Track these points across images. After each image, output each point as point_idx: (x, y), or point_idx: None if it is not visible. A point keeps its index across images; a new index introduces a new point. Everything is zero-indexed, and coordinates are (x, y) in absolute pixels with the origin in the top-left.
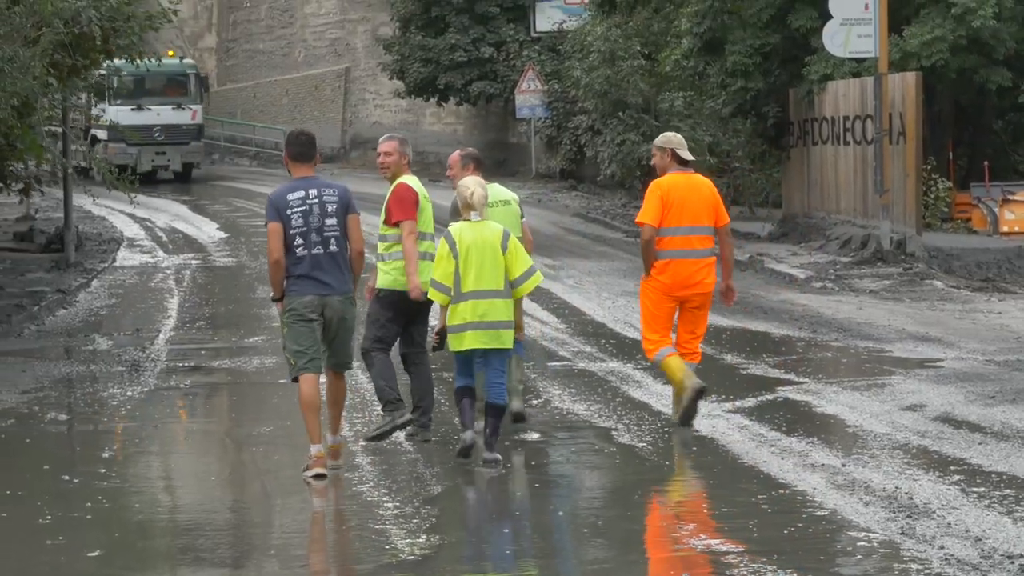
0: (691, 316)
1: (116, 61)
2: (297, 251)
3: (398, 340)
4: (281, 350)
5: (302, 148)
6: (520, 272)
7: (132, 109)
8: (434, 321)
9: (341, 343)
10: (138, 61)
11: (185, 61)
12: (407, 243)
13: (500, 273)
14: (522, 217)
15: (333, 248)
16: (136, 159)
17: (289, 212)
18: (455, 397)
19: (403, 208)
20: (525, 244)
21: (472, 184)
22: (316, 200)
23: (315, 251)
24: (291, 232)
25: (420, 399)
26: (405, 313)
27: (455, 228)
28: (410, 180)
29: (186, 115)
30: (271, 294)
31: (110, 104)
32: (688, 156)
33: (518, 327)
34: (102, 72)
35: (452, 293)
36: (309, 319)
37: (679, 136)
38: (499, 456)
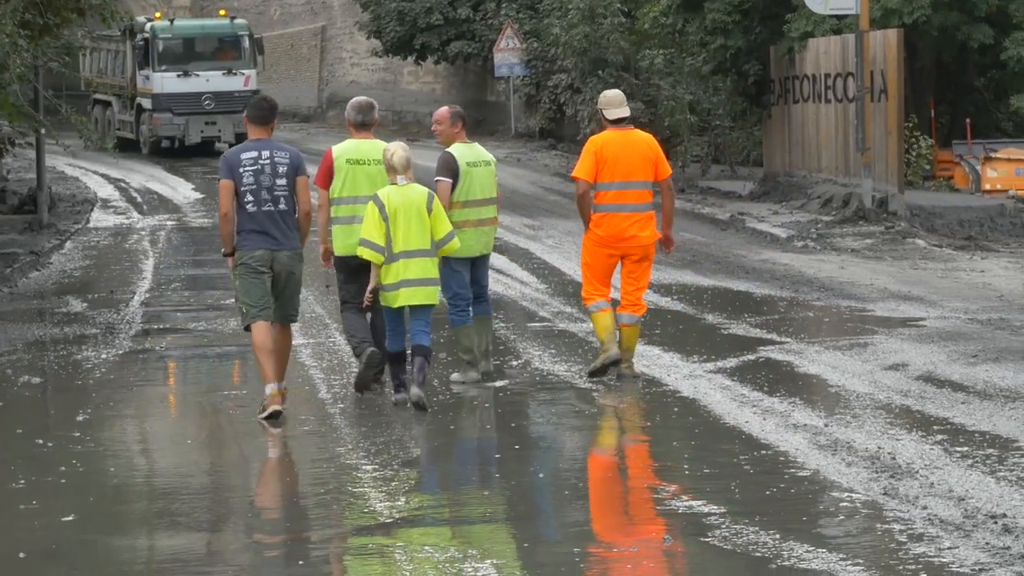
0: (633, 268)
1: (165, 21)
2: (248, 207)
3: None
4: (235, 302)
5: (262, 112)
6: (444, 233)
7: (178, 75)
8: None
9: (288, 297)
10: (176, 19)
11: (237, 21)
12: (319, 212)
13: (427, 234)
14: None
15: (283, 207)
16: (183, 130)
17: (241, 170)
18: (390, 361)
19: (319, 176)
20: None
21: (393, 147)
22: (268, 161)
23: (265, 208)
24: (242, 189)
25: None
26: (356, 272)
27: (383, 192)
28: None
29: (238, 81)
30: (222, 249)
31: (154, 70)
32: (614, 115)
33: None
34: (144, 32)
35: (385, 253)
36: (259, 271)
37: (613, 93)
38: (423, 396)
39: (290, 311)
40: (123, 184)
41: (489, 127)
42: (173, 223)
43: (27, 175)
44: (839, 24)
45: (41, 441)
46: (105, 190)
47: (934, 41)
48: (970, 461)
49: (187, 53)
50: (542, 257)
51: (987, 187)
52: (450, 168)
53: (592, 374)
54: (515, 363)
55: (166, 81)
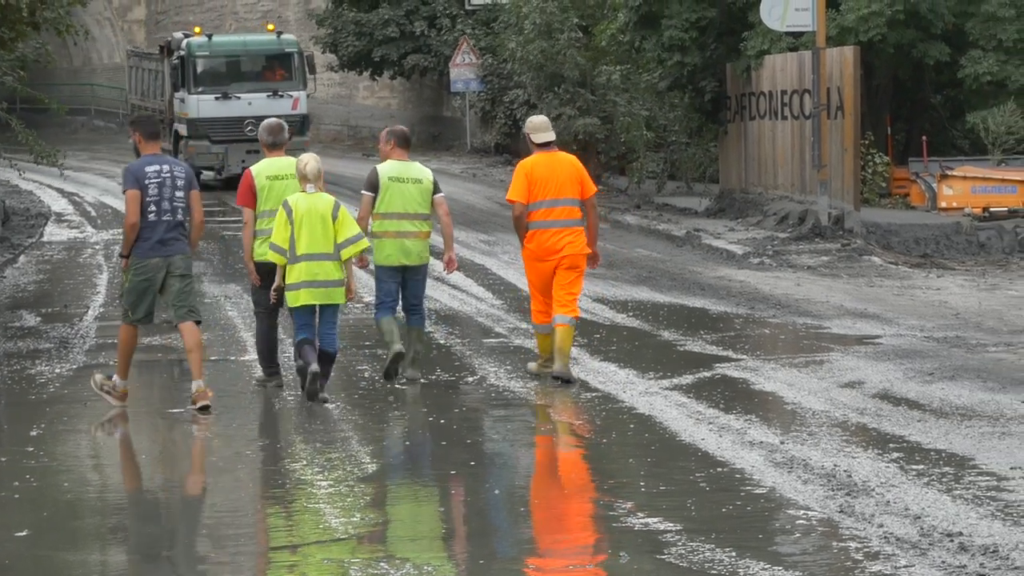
0: (564, 275)
1: (203, 37)
2: (150, 217)
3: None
4: (118, 299)
5: (154, 128)
6: (344, 237)
7: (217, 98)
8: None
9: (186, 295)
10: (216, 36)
11: (285, 37)
12: (244, 230)
13: (330, 239)
14: (435, 193)
15: (180, 217)
16: (223, 160)
17: (147, 182)
18: (295, 349)
19: (241, 196)
20: (441, 217)
21: (306, 158)
22: (169, 174)
23: (165, 218)
24: (147, 199)
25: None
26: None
27: (292, 198)
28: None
29: (285, 104)
30: (119, 250)
31: (190, 92)
32: (541, 139)
33: (349, 288)
34: (180, 50)
35: (288, 256)
36: (151, 279)
37: (540, 119)
38: (328, 396)
39: (190, 308)
40: (77, 198)
41: (445, 142)
42: None
43: None
44: (795, 42)
45: None
46: (59, 204)
47: (890, 59)
48: (926, 479)
49: (227, 73)
50: (497, 273)
51: (943, 205)
52: (370, 181)
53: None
54: (470, 379)
55: (203, 104)
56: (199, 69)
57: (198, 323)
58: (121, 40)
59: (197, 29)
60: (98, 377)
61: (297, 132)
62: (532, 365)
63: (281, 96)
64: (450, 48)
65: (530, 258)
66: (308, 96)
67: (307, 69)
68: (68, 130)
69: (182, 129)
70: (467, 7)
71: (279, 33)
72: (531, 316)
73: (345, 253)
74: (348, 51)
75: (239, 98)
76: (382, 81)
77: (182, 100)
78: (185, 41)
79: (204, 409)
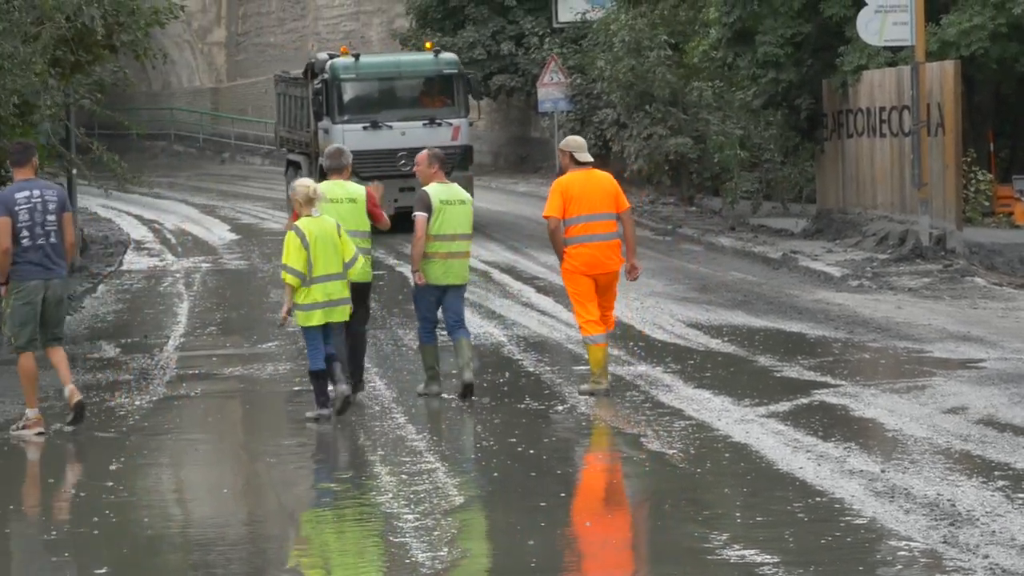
0: (601, 293)
1: (349, 58)
2: (23, 242)
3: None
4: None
5: (20, 155)
6: (350, 256)
7: (365, 128)
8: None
9: (57, 320)
10: (365, 56)
11: (444, 56)
12: None
13: (339, 259)
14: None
15: (53, 240)
16: None
17: (17, 208)
18: (311, 379)
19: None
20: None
21: (311, 183)
22: (39, 199)
23: (39, 242)
24: (19, 225)
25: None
26: None
27: (303, 223)
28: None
29: (444, 133)
30: None
31: (334, 121)
32: (583, 158)
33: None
34: (324, 73)
35: (305, 277)
36: (32, 302)
37: (579, 139)
38: (349, 389)
39: (58, 333)
40: (157, 225)
41: (533, 164)
42: (208, 265)
43: None
44: (894, 57)
45: (74, 491)
46: (139, 232)
47: (993, 73)
48: None
49: (378, 99)
50: None
51: None
52: (424, 203)
53: (581, 392)
54: (560, 408)
55: (349, 135)
56: (345, 95)
57: (60, 339)
58: (201, 63)
59: (343, 48)
60: (12, 431)
61: (458, 166)
62: (585, 387)
63: (439, 124)
64: (538, 67)
65: (574, 272)
66: (471, 125)
67: (470, 93)
68: (148, 155)
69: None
70: (555, 25)
71: (437, 52)
72: (580, 330)
73: (351, 272)
74: None
75: (391, 127)
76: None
77: (326, 130)
78: (329, 63)
79: (79, 409)
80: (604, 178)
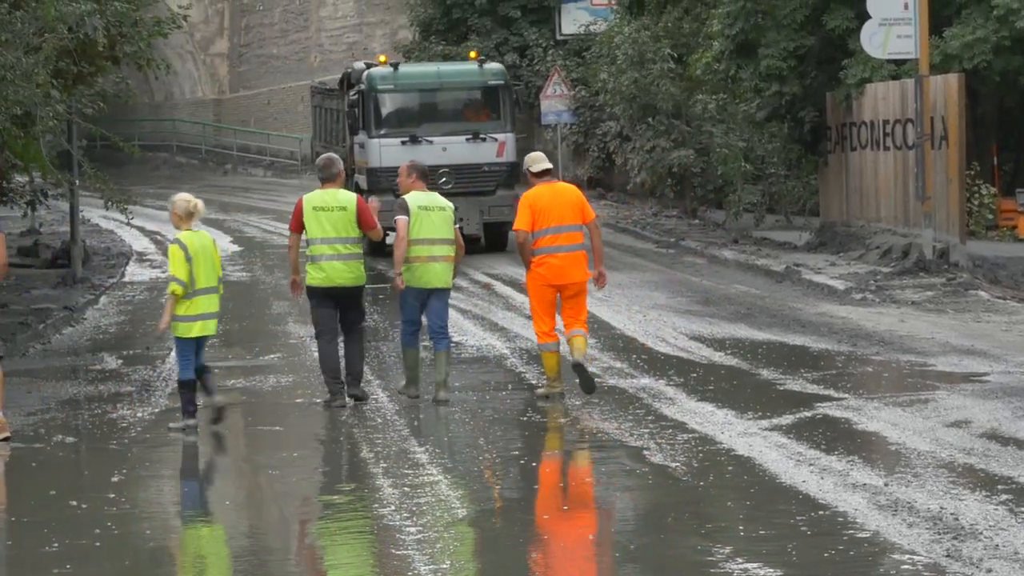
0: (571, 303)
1: (387, 68)
2: None
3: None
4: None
5: None
6: (221, 272)
7: (404, 143)
8: None
9: None
10: (404, 66)
11: (489, 67)
12: (290, 252)
13: (216, 273)
14: (455, 224)
15: None
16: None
17: None
18: (181, 389)
19: (291, 221)
20: (456, 248)
21: (191, 197)
22: None
23: None
24: None
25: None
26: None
27: (184, 236)
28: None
29: (488, 149)
30: None
31: (371, 136)
32: (539, 168)
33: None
34: (360, 84)
35: (188, 289)
36: None
37: (533, 154)
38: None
39: None
40: (159, 237)
41: None
42: None
43: (60, 228)
44: (897, 70)
45: (75, 503)
46: (140, 243)
47: (996, 86)
48: None
49: (418, 112)
50: (591, 310)
51: None
52: (403, 207)
53: (538, 397)
54: (563, 420)
55: (386, 151)
56: (382, 107)
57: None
58: (203, 74)
59: (382, 58)
60: None
61: (503, 184)
62: (541, 390)
63: (483, 140)
64: (541, 79)
65: (538, 282)
66: (517, 140)
67: (516, 107)
68: (150, 167)
69: (362, 181)
70: (558, 37)
71: (482, 61)
72: (537, 338)
73: (221, 287)
74: None
75: (431, 142)
76: None
77: (361, 145)
78: (365, 73)
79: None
80: (569, 190)
